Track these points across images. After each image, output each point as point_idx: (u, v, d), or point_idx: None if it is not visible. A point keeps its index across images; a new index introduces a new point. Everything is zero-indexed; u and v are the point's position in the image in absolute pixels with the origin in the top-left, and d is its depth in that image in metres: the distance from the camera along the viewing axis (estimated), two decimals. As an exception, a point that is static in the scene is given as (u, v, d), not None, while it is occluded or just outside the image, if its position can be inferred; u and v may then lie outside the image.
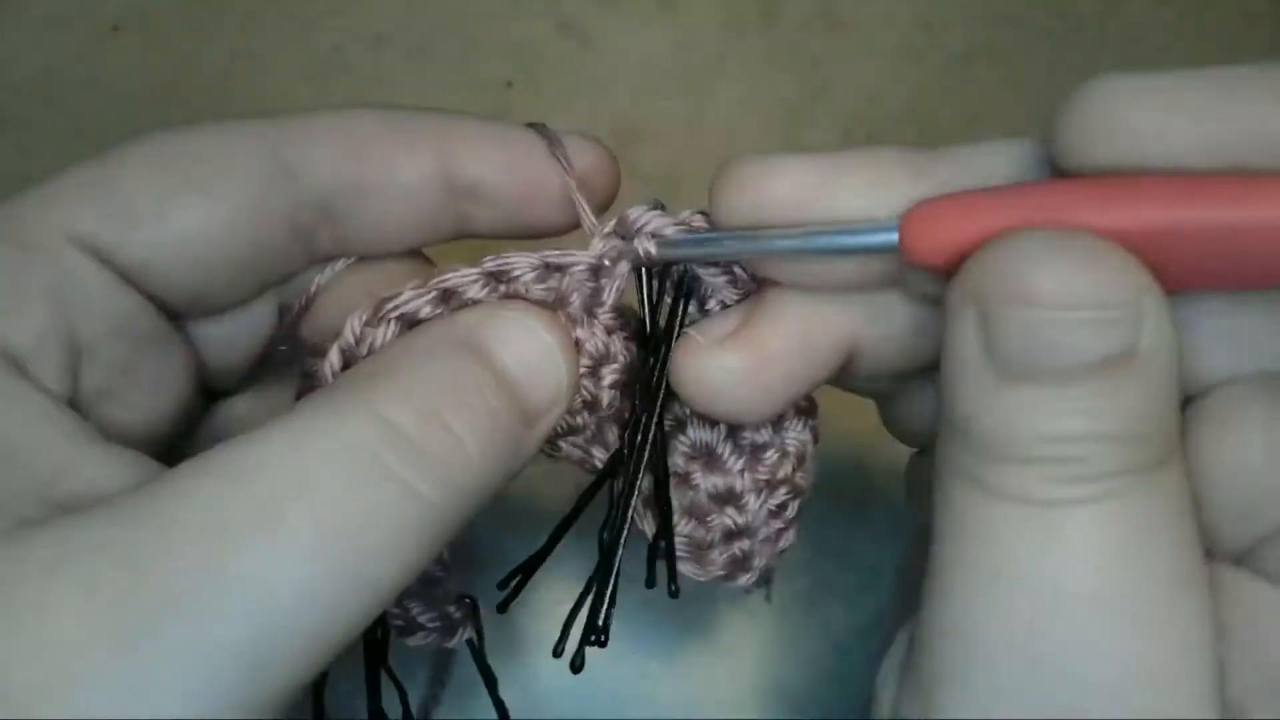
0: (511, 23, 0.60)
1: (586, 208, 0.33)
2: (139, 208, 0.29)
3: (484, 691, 0.37)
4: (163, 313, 0.31)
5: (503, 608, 0.33)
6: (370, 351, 0.30)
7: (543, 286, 0.32)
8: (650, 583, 0.32)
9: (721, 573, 0.35)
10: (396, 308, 0.30)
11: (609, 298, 0.32)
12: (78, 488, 0.26)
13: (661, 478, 0.33)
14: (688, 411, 0.35)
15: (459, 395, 0.28)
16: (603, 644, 0.30)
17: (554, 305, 0.32)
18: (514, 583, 0.33)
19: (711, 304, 0.34)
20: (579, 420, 0.34)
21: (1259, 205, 0.25)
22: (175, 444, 0.33)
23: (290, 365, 0.35)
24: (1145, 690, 0.25)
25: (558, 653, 0.30)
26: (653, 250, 0.32)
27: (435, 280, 0.31)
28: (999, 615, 0.25)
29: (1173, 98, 0.25)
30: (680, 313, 0.33)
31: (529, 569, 0.33)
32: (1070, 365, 0.25)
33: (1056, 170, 0.27)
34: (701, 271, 0.33)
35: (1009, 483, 0.25)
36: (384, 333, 0.30)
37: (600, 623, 0.30)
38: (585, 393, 0.33)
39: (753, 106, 0.59)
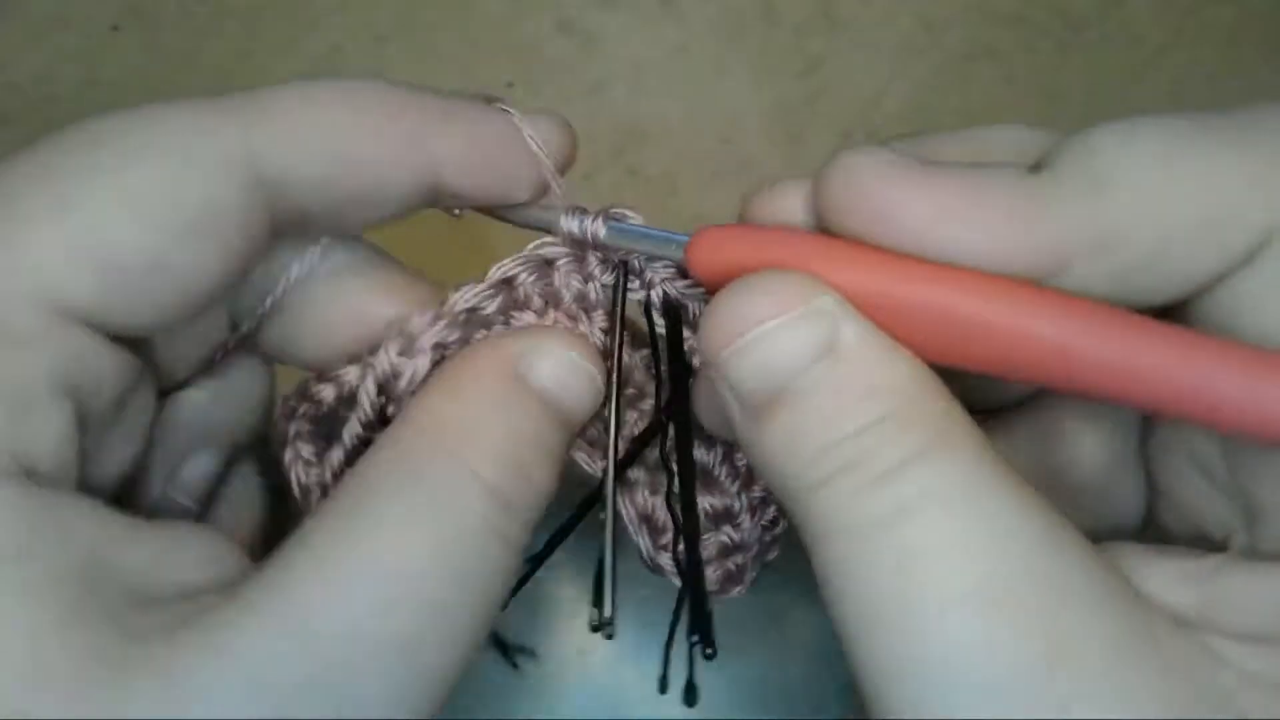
0: (511, 23, 0.60)
1: (558, 182, 0.33)
2: (118, 256, 0.26)
3: (480, 689, 0.37)
4: (129, 348, 0.29)
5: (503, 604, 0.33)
6: (411, 384, 0.31)
7: (541, 284, 0.33)
8: (700, 634, 0.30)
9: (715, 588, 0.35)
10: (430, 338, 0.31)
11: (597, 298, 0.33)
12: (162, 577, 0.26)
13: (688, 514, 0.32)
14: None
15: (541, 448, 0.29)
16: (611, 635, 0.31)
17: (548, 304, 0.33)
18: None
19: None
20: (590, 430, 0.34)
21: (965, 296, 0.26)
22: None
23: (243, 350, 0.33)
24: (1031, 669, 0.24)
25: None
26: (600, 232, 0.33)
27: (451, 305, 0.32)
28: (887, 635, 0.25)
29: (918, 181, 0.26)
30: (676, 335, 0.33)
31: (529, 569, 0.34)
32: (790, 371, 0.26)
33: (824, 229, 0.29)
34: (679, 288, 0.33)
35: (829, 510, 0.26)
36: (423, 364, 0.31)
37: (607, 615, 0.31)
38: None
39: (753, 106, 0.59)
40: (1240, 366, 0.25)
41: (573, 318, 0.34)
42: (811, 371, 0.27)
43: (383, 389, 0.31)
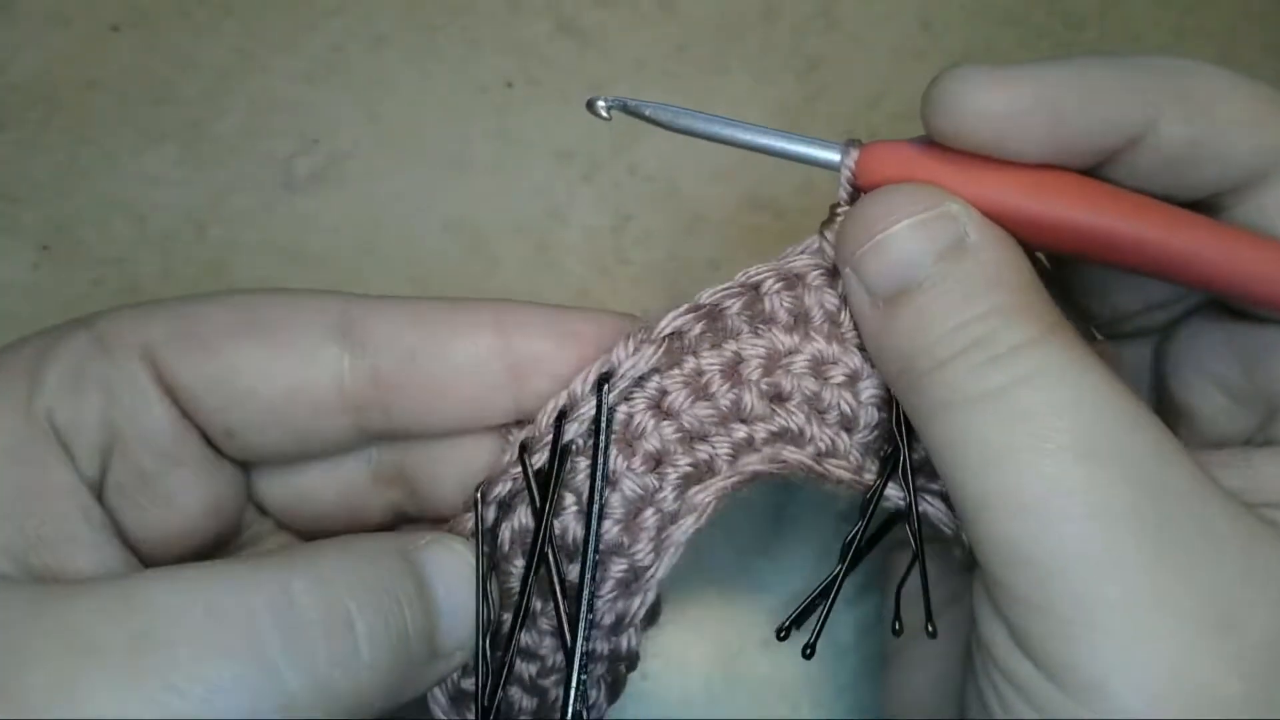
0: (511, 23, 0.60)
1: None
2: (202, 339, 0.32)
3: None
4: (209, 444, 0.34)
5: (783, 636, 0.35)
6: (634, 370, 0.34)
7: (790, 297, 0.35)
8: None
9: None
10: (669, 324, 0.35)
11: (846, 316, 0.35)
12: (53, 563, 0.28)
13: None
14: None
15: (379, 600, 0.28)
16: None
17: (802, 321, 0.35)
18: (819, 620, 0.35)
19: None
20: (839, 443, 0.35)
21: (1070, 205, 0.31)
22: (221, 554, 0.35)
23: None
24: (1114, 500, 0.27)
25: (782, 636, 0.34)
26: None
27: (697, 299, 0.35)
28: (996, 478, 0.28)
29: (1018, 87, 0.30)
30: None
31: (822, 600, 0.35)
32: (920, 265, 0.30)
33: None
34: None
35: (949, 387, 0.29)
36: (649, 353, 0.34)
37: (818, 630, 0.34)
38: (846, 406, 0.35)
39: (753, 106, 0.59)
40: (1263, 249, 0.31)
41: (826, 337, 0.35)
42: (941, 265, 0.30)
43: (603, 379, 0.34)
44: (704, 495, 0.34)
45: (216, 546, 0.35)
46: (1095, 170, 0.32)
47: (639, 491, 0.35)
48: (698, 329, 0.35)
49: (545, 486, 0.34)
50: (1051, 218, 0.31)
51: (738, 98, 0.60)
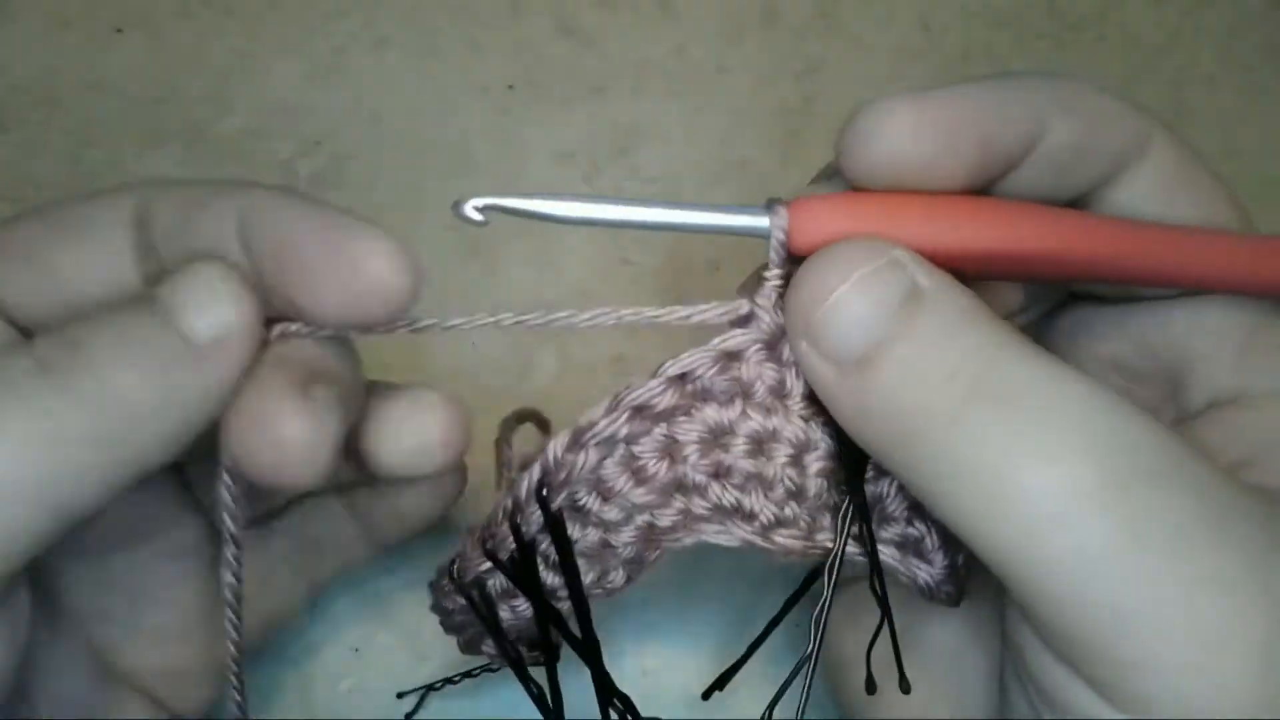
0: (512, 24, 0.60)
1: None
2: (17, 252, 0.33)
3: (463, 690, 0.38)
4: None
5: (707, 695, 0.35)
6: (578, 474, 0.33)
7: (726, 378, 0.33)
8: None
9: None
10: (595, 435, 0.32)
11: (794, 384, 0.33)
12: None
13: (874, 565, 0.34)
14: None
15: (105, 320, 0.30)
16: None
17: (741, 396, 0.33)
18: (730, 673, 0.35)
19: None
20: (787, 511, 0.34)
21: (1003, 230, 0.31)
22: None
23: None
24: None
25: None
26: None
27: (618, 400, 0.32)
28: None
29: (948, 107, 0.30)
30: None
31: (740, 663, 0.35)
32: (881, 319, 0.28)
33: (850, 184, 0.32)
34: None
35: (969, 442, 0.27)
36: (588, 459, 0.33)
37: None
38: (790, 482, 0.33)
39: (752, 107, 0.60)
40: (1161, 237, 0.32)
41: (768, 410, 0.33)
42: (905, 311, 0.28)
43: (547, 481, 0.33)
44: (647, 559, 0.35)
45: None
46: (986, 188, 0.32)
47: (587, 555, 0.35)
48: (629, 429, 0.33)
49: (524, 571, 0.34)
50: (981, 243, 0.30)
51: (738, 98, 0.60)
